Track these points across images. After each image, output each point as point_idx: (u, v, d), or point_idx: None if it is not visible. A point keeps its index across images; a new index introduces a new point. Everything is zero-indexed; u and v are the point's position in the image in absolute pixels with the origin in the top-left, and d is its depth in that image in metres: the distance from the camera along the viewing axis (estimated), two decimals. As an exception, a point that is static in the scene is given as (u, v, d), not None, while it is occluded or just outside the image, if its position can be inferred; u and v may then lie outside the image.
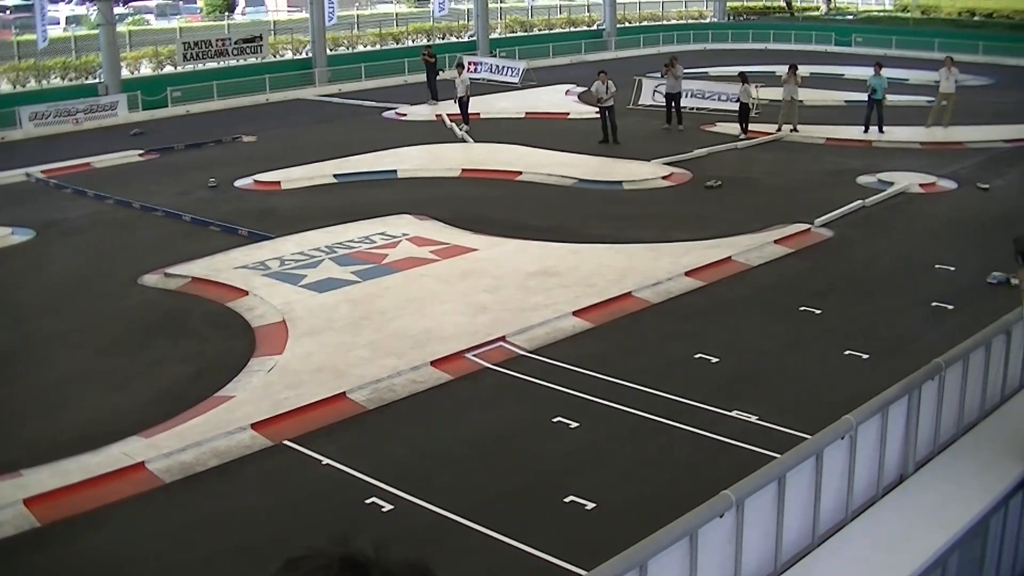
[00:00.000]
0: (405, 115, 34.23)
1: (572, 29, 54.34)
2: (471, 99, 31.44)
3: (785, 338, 14.36)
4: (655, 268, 17.03)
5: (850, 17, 61.81)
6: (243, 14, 57.25)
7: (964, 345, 6.58)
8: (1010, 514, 5.72)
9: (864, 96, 28.90)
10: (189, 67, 39.04)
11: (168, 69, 39.81)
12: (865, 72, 30.68)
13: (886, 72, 29.02)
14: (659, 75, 32.41)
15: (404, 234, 19.31)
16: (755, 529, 5.10)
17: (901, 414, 5.95)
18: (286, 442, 11.50)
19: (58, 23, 46.53)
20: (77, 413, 12.55)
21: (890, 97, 29.30)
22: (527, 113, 34.12)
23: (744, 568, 5.01)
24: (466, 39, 48.76)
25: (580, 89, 38.32)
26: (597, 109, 28.66)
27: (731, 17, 60.91)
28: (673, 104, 30.32)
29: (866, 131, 28.28)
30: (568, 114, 33.94)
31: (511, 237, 18.96)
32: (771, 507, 5.20)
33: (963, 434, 6.37)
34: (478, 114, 32.22)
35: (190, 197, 22.99)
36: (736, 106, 29.70)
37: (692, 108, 32.01)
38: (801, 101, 29.93)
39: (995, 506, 5.51)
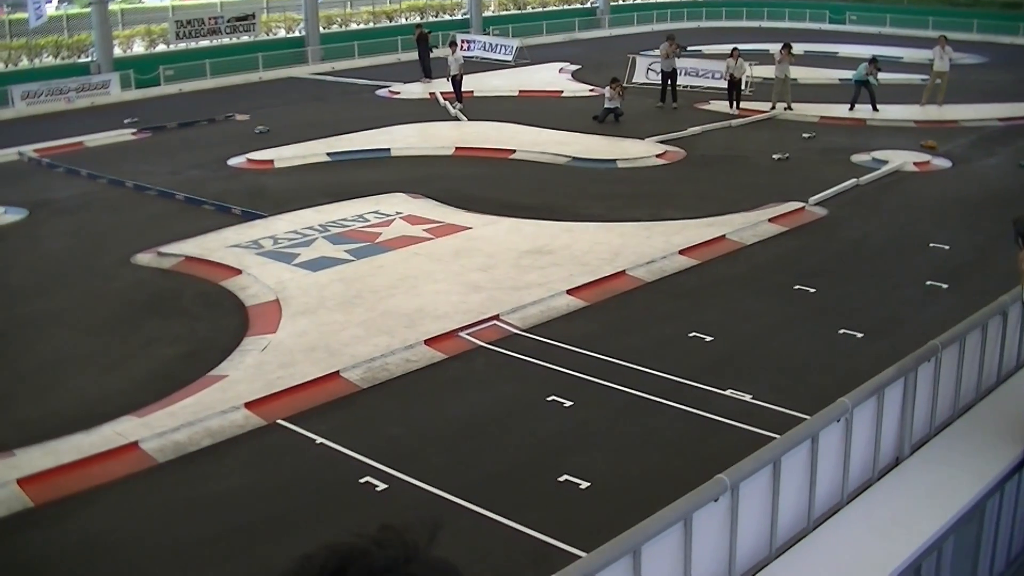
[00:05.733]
0: (398, 93, 34.07)
1: (566, 7, 54.14)
2: (464, 77, 31.31)
3: (779, 317, 14.35)
4: (649, 246, 17.00)
5: (844, -5, 61.58)
6: (235, -9, 56.93)
7: (960, 326, 6.56)
8: (1006, 497, 5.72)
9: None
10: (182, 45, 38.87)
11: (161, 48, 39.60)
12: (860, 51, 30.66)
13: (880, 50, 28.91)
14: (658, 53, 31.93)
15: (397, 213, 19.26)
16: (750, 513, 5.09)
17: (897, 396, 5.94)
18: (279, 421, 11.48)
19: (50, 1, 46.26)
20: (70, 393, 12.51)
21: (884, 76, 29.26)
22: (521, 91, 33.97)
23: (739, 552, 5.00)
24: (459, 17, 48.54)
25: (574, 67, 38.25)
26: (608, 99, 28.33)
27: (725, -6, 60.64)
28: (669, 82, 30.25)
29: (851, 109, 28.23)
30: (562, 92, 33.85)
31: (504, 216, 18.92)
32: (766, 491, 5.18)
33: (959, 416, 6.36)
34: (471, 92, 32.07)
35: (183, 176, 22.91)
36: (724, 83, 29.72)
37: (686, 86, 31.91)
38: (795, 79, 29.87)
39: (991, 489, 5.50)
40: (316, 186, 21.56)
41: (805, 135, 25.83)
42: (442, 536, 1.87)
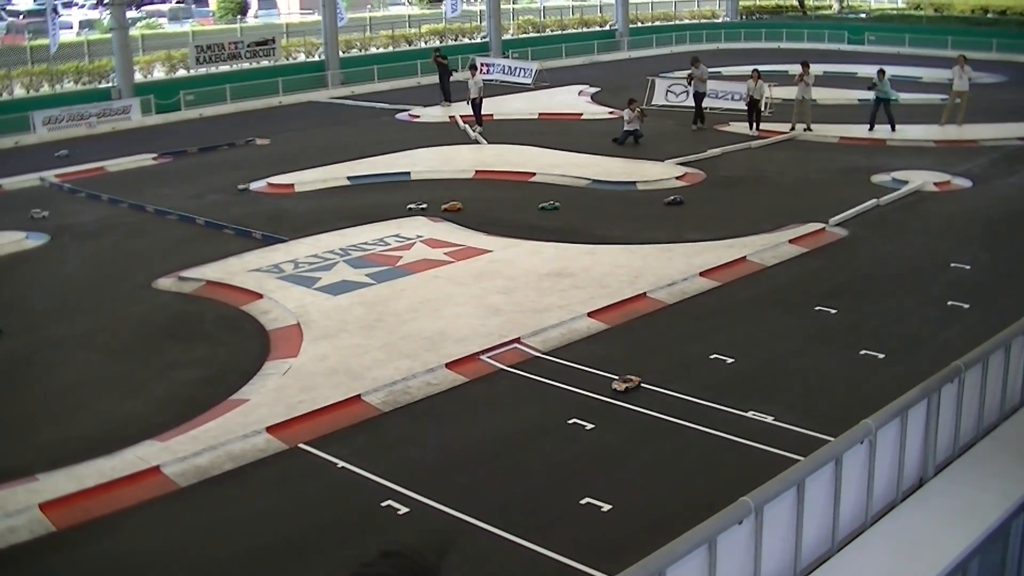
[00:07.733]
0: (418, 117, 34.21)
1: (585, 30, 54.32)
2: (484, 100, 31.41)
3: (800, 338, 14.30)
4: (669, 268, 16.98)
5: (863, 15, 61.69)
6: (255, 17, 57.37)
7: (983, 347, 6.52)
8: (1031, 517, 5.69)
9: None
10: (202, 70, 39.13)
11: (181, 72, 39.88)
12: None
13: (899, 70, 28.86)
14: (687, 75, 31.59)
15: (418, 236, 19.29)
16: (774, 535, 5.06)
17: (920, 417, 5.91)
18: (301, 445, 11.48)
19: (71, 27, 46.69)
20: (92, 417, 12.55)
21: (904, 95, 29.20)
22: (540, 114, 34.07)
23: (763, 575, 4.97)
24: (478, 40, 48.75)
25: (593, 90, 38.32)
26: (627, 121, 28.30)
27: (743, 16, 60.80)
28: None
29: (871, 129, 28.20)
30: (581, 115, 33.90)
31: (525, 238, 18.93)
32: (790, 513, 5.16)
33: (983, 437, 6.32)
34: (491, 115, 32.18)
35: (204, 200, 23.01)
36: (744, 104, 29.75)
37: (706, 108, 31.89)
38: (814, 100, 29.85)
39: (1016, 510, 5.46)
40: (336, 210, 21.62)
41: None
42: (451, 555, 1.88)
